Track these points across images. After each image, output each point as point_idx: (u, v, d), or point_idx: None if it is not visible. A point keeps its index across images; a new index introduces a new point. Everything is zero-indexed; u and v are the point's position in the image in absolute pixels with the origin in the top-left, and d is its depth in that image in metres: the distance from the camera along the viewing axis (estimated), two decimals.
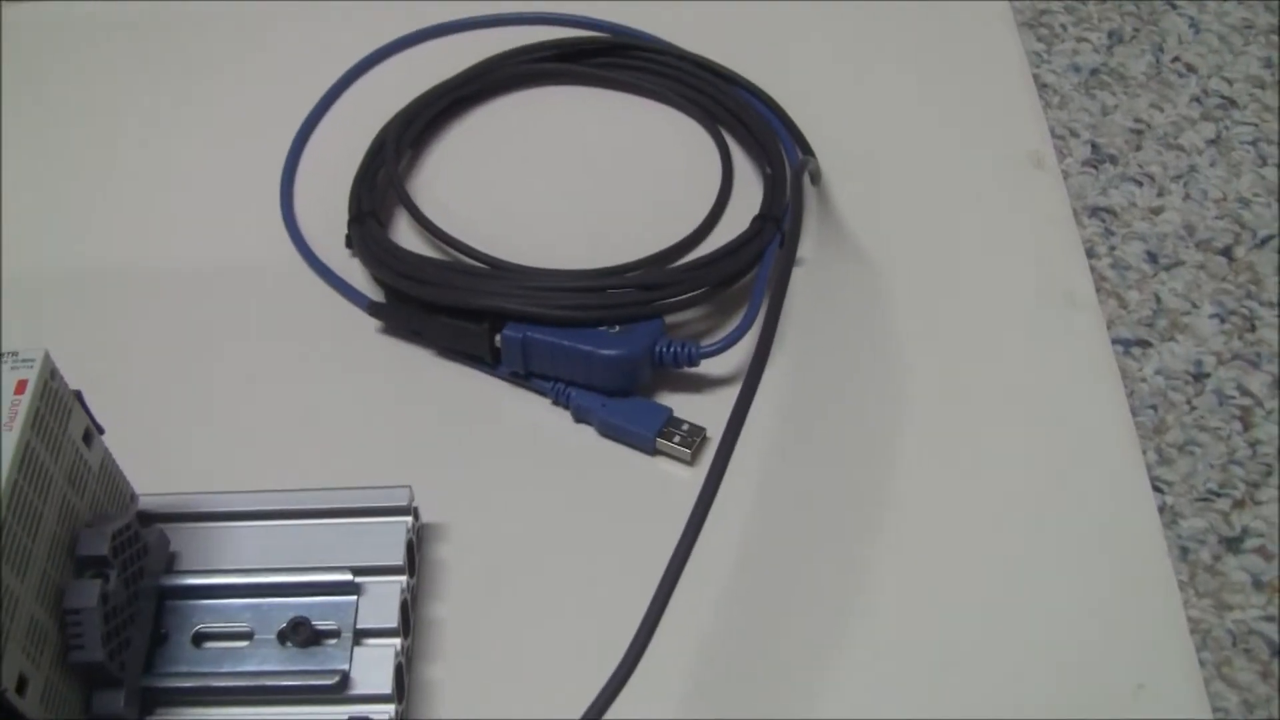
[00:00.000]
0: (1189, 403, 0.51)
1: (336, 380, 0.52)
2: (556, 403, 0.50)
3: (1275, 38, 0.62)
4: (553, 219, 0.57)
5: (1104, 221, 0.56)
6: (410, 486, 0.46)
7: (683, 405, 0.50)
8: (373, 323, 0.53)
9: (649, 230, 0.55)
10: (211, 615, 0.43)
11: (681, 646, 0.44)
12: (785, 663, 0.44)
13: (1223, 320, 0.53)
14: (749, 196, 0.56)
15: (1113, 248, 0.55)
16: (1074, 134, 0.59)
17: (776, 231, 0.52)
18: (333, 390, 0.52)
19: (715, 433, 0.49)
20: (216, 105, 0.62)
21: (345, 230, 0.55)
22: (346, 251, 0.55)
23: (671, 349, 0.49)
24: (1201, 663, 0.44)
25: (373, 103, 0.60)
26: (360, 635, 0.42)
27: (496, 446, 0.50)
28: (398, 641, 0.42)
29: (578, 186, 0.58)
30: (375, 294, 0.54)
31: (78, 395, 0.40)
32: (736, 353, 0.49)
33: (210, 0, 0.67)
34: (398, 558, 0.44)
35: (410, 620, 0.44)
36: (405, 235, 0.56)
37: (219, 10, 0.67)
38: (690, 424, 0.49)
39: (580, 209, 0.57)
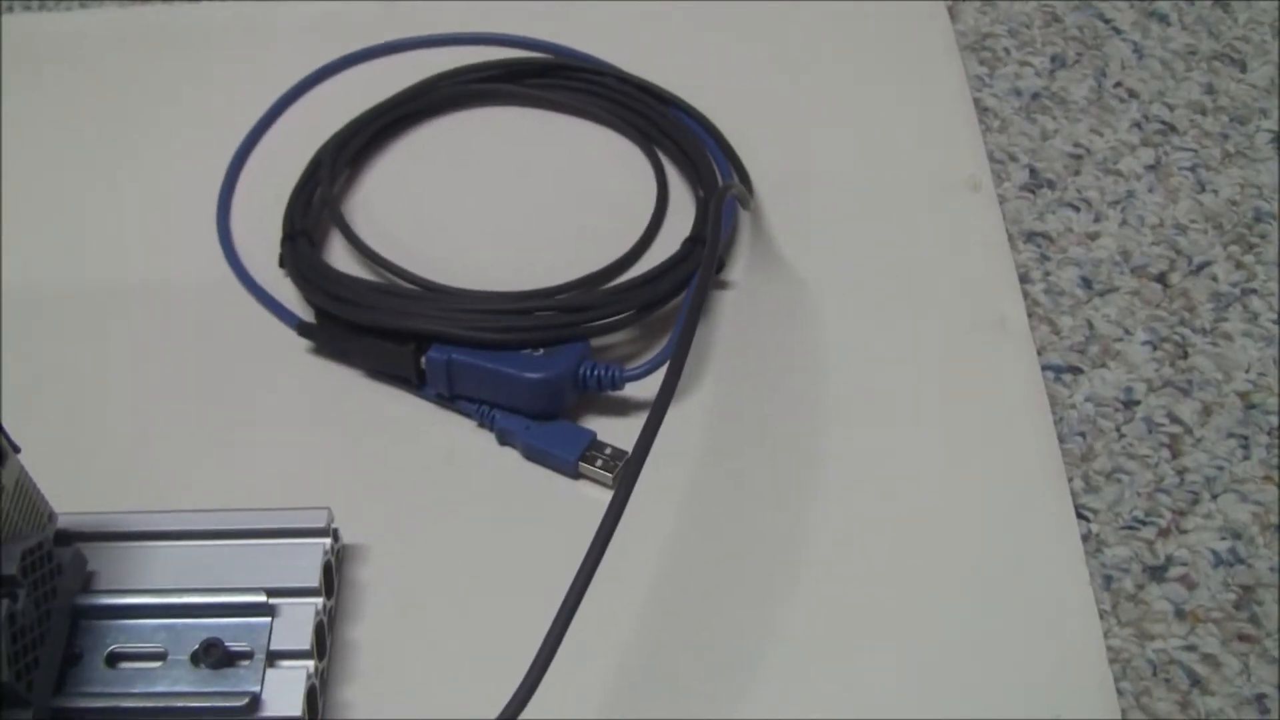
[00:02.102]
0: (1118, 430, 0.50)
1: (264, 400, 0.52)
2: (481, 425, 0.50)
3: (1217, 64, 0.62)
4: (489, 240, 0.57)
5: (1039, 247, 0.56)
6: (329, 508, 0.45)
7: (608, 429, 0.50)
8: (303, 343, 0.53)
9: (584, 251, 0.55)
10: (126, 635, 0.43)
11: (588, 672, 0.44)
12: (693, 677, 0.44)
13: (1155, 347, 0.53)
14: (684, 219, 0.56)
15: (1047, 273, 0.55)
16: (1013, 158, 0.59)
17: None
18: (260, 410, 0.52)
19: None
20: (158, 121, 0.62)
21: (280, 249, 0.55)
22: (280, 271, 0.55)
23: (595, 372, 0.49)
24: (1121, 693, 0.44)
25: (313, 121, 0.60)
26: (274, 657, 0.42)
27: (422, 468, 0.50)
28: (311, 664, 0.42)
29: (514, 207, 0.58)
30: (307, 314, 0.54)
31: None
32: (662, 376, 0.49)
33: (151, 17, 0.67)
34: (314, 579, 0.44)
35: (327, 642, 0.44)
36: (339, 255, 0.56)
37: (161, 27, 0.67)
38: (614, 448, 0.49)
39: (516, 230, 0.57)
